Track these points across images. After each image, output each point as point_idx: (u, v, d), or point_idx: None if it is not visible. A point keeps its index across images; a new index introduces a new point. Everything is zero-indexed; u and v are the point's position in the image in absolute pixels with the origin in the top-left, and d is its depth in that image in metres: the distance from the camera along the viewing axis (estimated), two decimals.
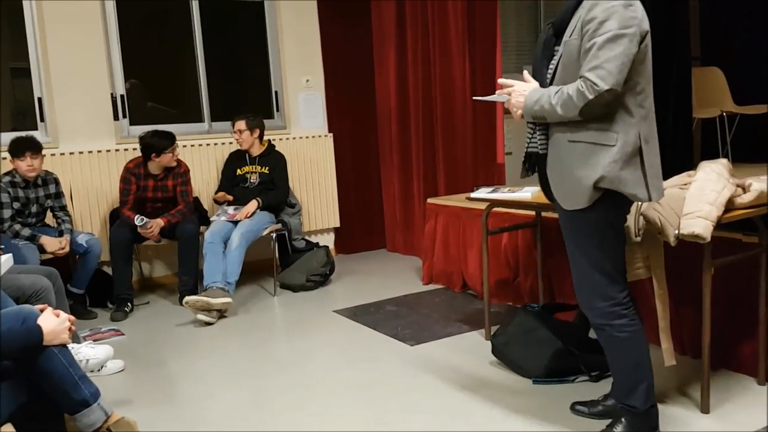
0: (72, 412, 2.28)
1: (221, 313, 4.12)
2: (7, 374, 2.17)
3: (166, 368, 3.37)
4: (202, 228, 4.55)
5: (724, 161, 2.61)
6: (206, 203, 5.01)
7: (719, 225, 2.39)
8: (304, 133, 5.63)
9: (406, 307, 4.20)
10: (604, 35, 1.99)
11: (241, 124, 4.73)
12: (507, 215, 3.83)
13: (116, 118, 4.90)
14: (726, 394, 2.65)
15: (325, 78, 5.70)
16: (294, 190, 5.20)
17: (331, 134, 5.73)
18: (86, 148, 4.72)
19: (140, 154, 4.43)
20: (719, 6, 5.38)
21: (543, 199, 2.83)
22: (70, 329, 2.30)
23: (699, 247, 2.42)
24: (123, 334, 3.89)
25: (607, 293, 2.21)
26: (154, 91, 5.28)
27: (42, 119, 4.69)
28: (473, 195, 3.32)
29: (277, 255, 4.84)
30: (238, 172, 4.85)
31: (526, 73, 2.26)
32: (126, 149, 4.80)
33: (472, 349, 3.38)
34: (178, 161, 4.53)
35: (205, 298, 3.99)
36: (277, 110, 5.66)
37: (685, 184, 2.52)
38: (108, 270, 4.54)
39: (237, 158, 4.90)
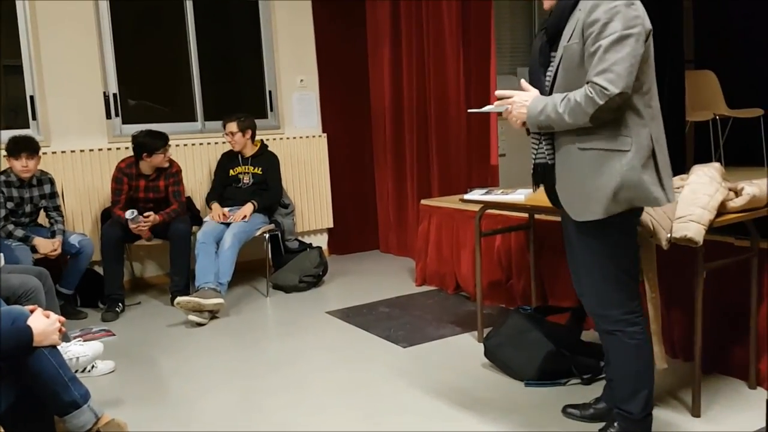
0: (62, 414, 2.27)
1: (213, 314, 4.11)
2: None
3: (157, 368, 3.35)
4: (194, 228, 4.54)
5: (716, 165, 2.62)
6: (199, 203, 4.99)
7: (711, 229, 2.39)
8: (298, 133, 5.62)
9: (398, 308, 4.19)
10: (609, 37, 1.92)
11: (232, 126, 4.70)
12: (500, 217, 3.82)
13: (108, 116, 4.89)
14: (717, 398, 2.66)
15: (320, 78, 5.70)
16: (287, 191, 5.19)
17: (325, 134, 5.72)
18: (78, 146, 4.69)
19: (132, 153, 4.41)
20: (713, 9, 5.40)
21: (536, 202, 2.84)
22: (60, 330, 2.28)
23: (691, 251, 2.43)
24: (114, 335, 3.87)
25: (621, 301, 2.16)
26: (146, 89, 5.26)
27: (34, 117, 4.66)
28: (467, 197, 3.32)
29: (270, 255, 4.83)
30: (231, 172, 4.83)
31: (523, 82, 2.17)
32: (118, 148, 4.77)
33: (464, 351, 3.38)
34: (171, 161, 4.51)
35: (196, 299, 3.97)
36: (271, 110, 5.64)
37: (678, 188, 2.52)
38: (99, 270, 4.52)
39: (230, 159, 4.88)
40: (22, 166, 3.95)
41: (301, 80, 5.65)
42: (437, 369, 3.15)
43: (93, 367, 3.24)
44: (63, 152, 4.63)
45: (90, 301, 4.43)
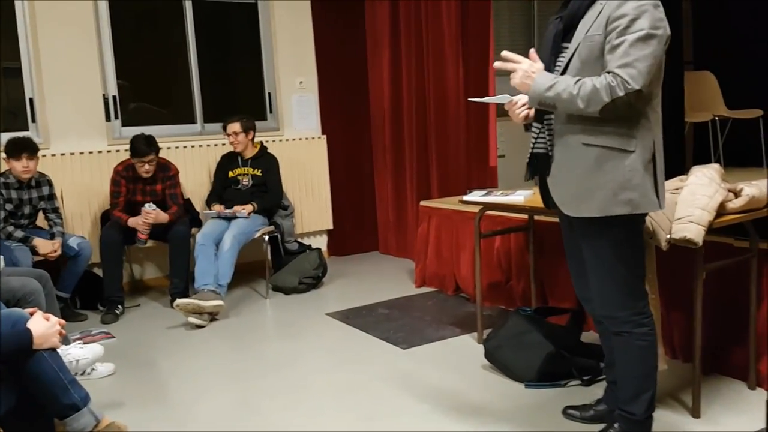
0: (62, 417, 2.27)
1: (212, 316, 4.10)
2: None
3: (157, 370, 3.35)
4: (193, 230, 4.54)
5: (716, 166, 2.62)
6: (198, 205, 4.99)
7: (711, 230, 2.39)
8: (298, 134, 5.62)
9: (398, 309, 4.19)
10: (635, 33, 1.92)
11: (236, 126, 4.70)
12: (500, 218, 3.82)
13: (108, 119, 4.88)
14: (717, 399, 2.66)
15: (319, 79, 5.69)
16: (287, 192, 5.19)
17: (325, 136, 5.71)
18: (78, 149, 4.69)
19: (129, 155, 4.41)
20: (712, 10, 5.40)
21: (536, 203, 2.83)
22: (60, 333, 2.28)
23: (690, 252, 2.43)
24: (113, 337, 3.87)
25: (628, 303, 2.15)
26: (146, 92, 5.26)
27: (33, 120, 4.66)
28: (466, 198, 3.32)
29: (269, 257, 4.83)
30: (231, 174, 4.83)
31: (532, 51, 2.10)
32: (117, 150, 4.77)
33: (464, 352, 3.37)
34: (168, 164, 4.51)
35: (196, 301, 3.97)
36: (271, 112, 5.64)
37: (677, 189, 2.52)
38: (98, 272, 4.51)
39: (229, 160, 4.87)
40: (22, 166, 3.95)
41: (301, 82, 5.65)
42: (437, 371, 3.15)
43: (93, 369, 3.24)
44: (62, 155, 4.63)
45: (89, 304, 4.43)
